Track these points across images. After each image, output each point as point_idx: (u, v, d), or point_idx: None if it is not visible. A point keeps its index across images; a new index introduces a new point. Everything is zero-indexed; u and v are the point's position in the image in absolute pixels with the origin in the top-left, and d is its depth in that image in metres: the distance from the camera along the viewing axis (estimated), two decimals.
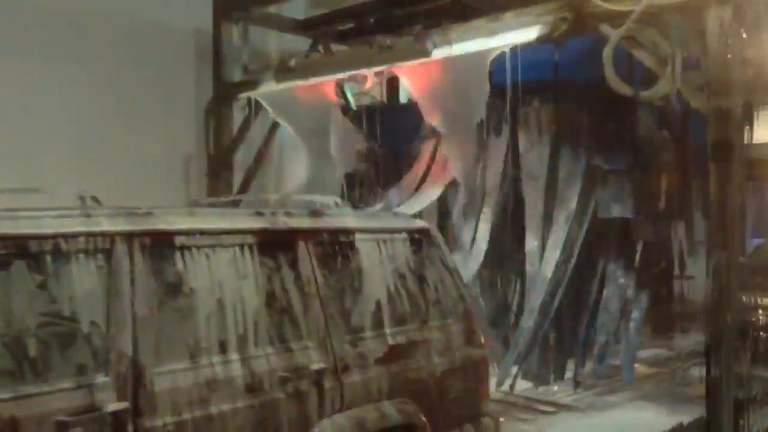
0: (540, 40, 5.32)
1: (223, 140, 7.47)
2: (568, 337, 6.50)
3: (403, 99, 8.21)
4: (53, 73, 6.85)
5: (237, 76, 7.46)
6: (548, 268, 6.11)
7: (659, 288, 7.32)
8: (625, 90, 4.91)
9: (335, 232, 3.64)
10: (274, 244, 3.42)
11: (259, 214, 3.48)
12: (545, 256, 6.17)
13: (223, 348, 3.12)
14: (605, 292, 6.41)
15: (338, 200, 4.00)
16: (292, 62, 7.03)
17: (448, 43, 5.68)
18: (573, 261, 6.10)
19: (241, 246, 3.31)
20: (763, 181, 7.07)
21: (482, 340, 4.20)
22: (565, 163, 6.21)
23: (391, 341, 3.69)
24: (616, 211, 6.17)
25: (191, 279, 3.10)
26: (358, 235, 3.73)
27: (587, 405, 6.33)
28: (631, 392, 6.52)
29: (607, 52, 4.78)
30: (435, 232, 4.17)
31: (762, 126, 5.46)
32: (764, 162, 5.22)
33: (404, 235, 3.96)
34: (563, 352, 6.56)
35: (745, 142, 4.78)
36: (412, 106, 6.86)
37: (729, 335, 4.67)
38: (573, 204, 6.11)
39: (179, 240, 3.13)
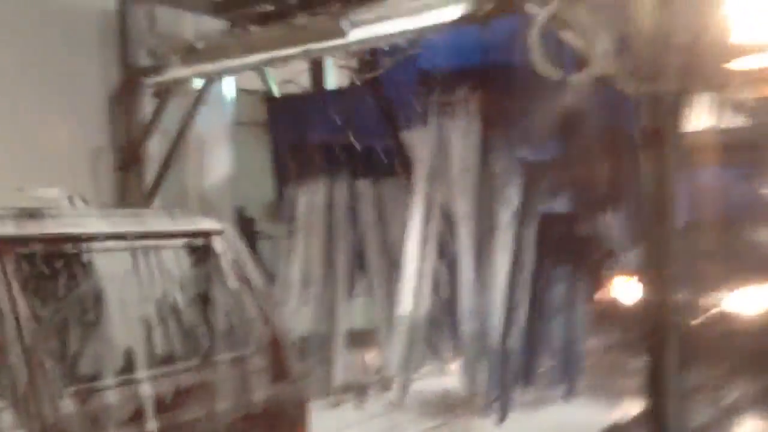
0: (464, 21, 4.98)
1: (132, 131, 6.94)
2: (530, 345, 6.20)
3: (330, 85, 7.73)
4: None
5: (144, 61, 6.93)
6: (500, 276, 5.81)
7: (600, 282, 7.09)
8: (552, 74, 4.61)
9: (55, 242, 2.76)
10: None
11: None
12: (493, 262, 5.87)
13: None
14: (553, 292, 6.18)
15: (76, 196, 3.29)
16: (200, 45, 6.56)
17: (367, 23, 5.29)
18: (525, 264, 5.82)
19: None
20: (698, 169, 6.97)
21: (296, 374, 3.39)
22: (498, 155, 5.92)
23: (147, 389, 2.84)
24: (555, 205, 5.91)
25: None
26: (96, 245, 2.87)
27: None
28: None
29: (533, 34, 4.47)
30: (229, 236, 3.39)
31: (697, 113, 5.29)
32: (699, 149, 5.06)
33: (180, 241, 3.15)
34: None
35: (679, 129, 4.51)
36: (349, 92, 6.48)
37: (666, 328, 4.42)
38: (515, 200, 5.81)
39: None
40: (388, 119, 6.53)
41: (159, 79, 6.80)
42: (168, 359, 2.93)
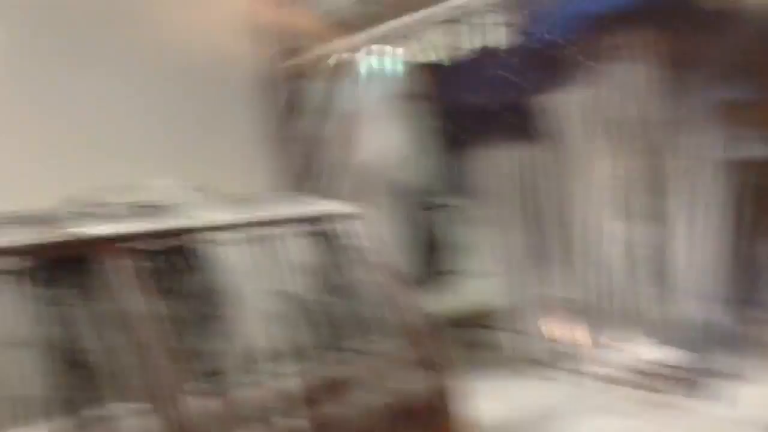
0: None
1: (281, 114, 6.78)
2: None
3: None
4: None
5: (287, 42, 6.71)
6: (708, 235, 5.56)
7: None
8: None
9: (172, 236, 2.73)
10: (57, 266, 2.54)
11: (43, 221, 2.62)
12: (697, 219, 5.62)
13: None
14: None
15: (190, 185, 3.09)
16: (340, 17, 6.32)
17: None
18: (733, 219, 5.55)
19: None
20: None
21: (443, 364, 3.18)
22: (690, 99, 5.63)
23: (277, 386, 2.73)
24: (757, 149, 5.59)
25: None
26: (215, 236, 2.79)
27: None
28: None
29: None
30: (363, 218, 3.27)
31: None
32: None
33: (306, 227, 3.07)
34: None
35: None
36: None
37: None
38: (717, 148, 5.52)
39: None
40: (556, 75, 6.23)
41: (302, 58, 6.58)
42: (297, 354, 2.84)
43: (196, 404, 2.51)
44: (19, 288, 2.44)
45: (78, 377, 2.42)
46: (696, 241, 5.64)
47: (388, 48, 6.79)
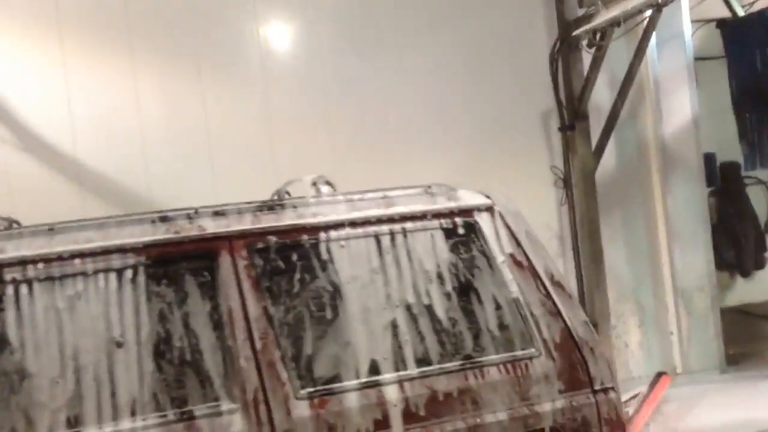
0: None
1: (573, 87, 6.18)
2: None
3: None
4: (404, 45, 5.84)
5: (577, 12, 6.18)
6: None
7: None
8: None
9: (289, 233, 2.55)
10: (177, 263, 2.45)
11: (163, 219, 2.50)
12: None
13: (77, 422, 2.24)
14: None
15: (322, 180, 2.79)
16: None
17: None
18: None
19: (120, 272, 2.40)
20: None
21: (604, 379, 2.68)
22: None
23: (394, 394, 2.47)
24: None
25: (23, 330, 2.28)
26: (335, 234, 2.60)
27: None
28: None
29: None
30: (502, 210, 2.85)
31: None
32: None
33: (435, 223, 2.74)
34: None
35: None
36: None
37: None
38: None
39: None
40: None
41: (590, 26, 6.02)
42: (421, 361, 2.58)
43: (299, 409, 2.43)
44: (135, 285, 2.42)
45: (183, 375, 2.36)
46: None
47: (682, 5, 6.25)
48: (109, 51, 5.20)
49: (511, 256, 2.80)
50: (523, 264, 2.80)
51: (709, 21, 6.53)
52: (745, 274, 6.81)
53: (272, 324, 2.49)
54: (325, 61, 5.64)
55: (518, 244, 2.83)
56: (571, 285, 5.82)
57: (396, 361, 2.54)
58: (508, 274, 2.76)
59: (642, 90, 6.23)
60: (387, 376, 2.51)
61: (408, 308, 2.63)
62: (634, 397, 5.39)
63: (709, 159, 6.46)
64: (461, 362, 2.60)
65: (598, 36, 6.09)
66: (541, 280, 2.78)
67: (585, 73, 6.14)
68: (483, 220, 2.83)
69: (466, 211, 2.83)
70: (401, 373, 2.53)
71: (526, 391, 2.62)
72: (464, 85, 5.90)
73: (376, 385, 2.49)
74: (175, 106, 5.30)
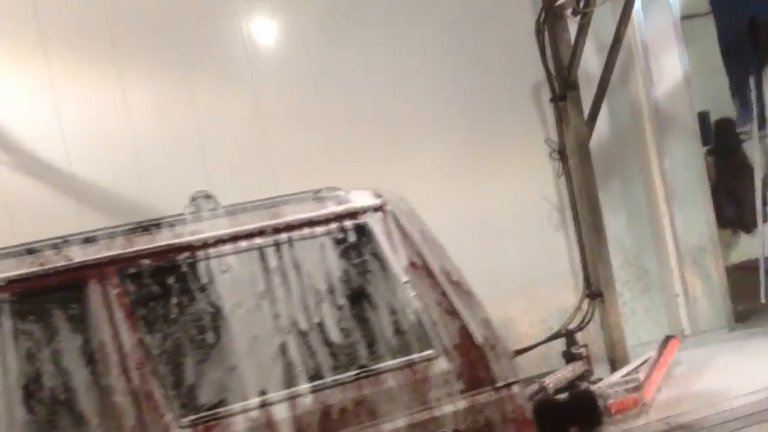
0: None
1: (561, 56, 6.08)
2: None
3: None
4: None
5: None
6: None
7: None
8: None
9: (166, 254, 2.46)
10: (44, 297, 2.33)
11: (30, 252, 2.40)
12: None
13: None
14: None
15: (202, 195, 2.67)
16: None
17: None
18: None
19: None
20: None
21: (505, 377, 2.65)
22: None
23: (286, 413, 2.40)
24: None
25: None
26: (215, 250, 2.49)
27: None
28: None
29: None
30: (394, 208, 2.78)
31: None
32: None
33: (323, 228, 2.65)
34: None
35: None
36: None
37: None
38: None
39: None
40: None
41: None
42: (312, 377, 2.49)
43: None
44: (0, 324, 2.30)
45: (56, 418, 2.25)
46: None
47: None
48: (95, 58, 5.15)
49: (405, 256, 2.74)
50: (417, 264, 2.73)
51: None
52: (748, 229, 6.81)
53: (149, 353, 2.40)
54: (313, 54, 5.59)
55: (412, 243, 2.77)
56: (574, 256, 5.83)
57: (285, 379, 2.47)
58: (401, 275, 2.69)
59: (630, 54, 6.18)
60: (276, 395, 2.44)
61: (296, 323, 2.54)
62: (644, 362, 5.41)
63: (703, 117, 6.42)
64: (354, 373, 2.54)
65: (582, 3, 6.06)
66: (437, 279, 2.73)
67: (572, 41, 6.11)
68: (374, 222, 2.76)
69: (355, 214, 2.75)
70: (291, 391, 2.47)
71: (425, 395, 2.56)
72: (453, 67, 5.86)
73: (265, 405, 2.42)
74: (164, 110, 5.29)
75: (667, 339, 5.52)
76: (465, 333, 2.70)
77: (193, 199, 2.74)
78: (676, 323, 6.08)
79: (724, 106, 6.71)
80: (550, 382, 4.70)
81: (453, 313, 2.69)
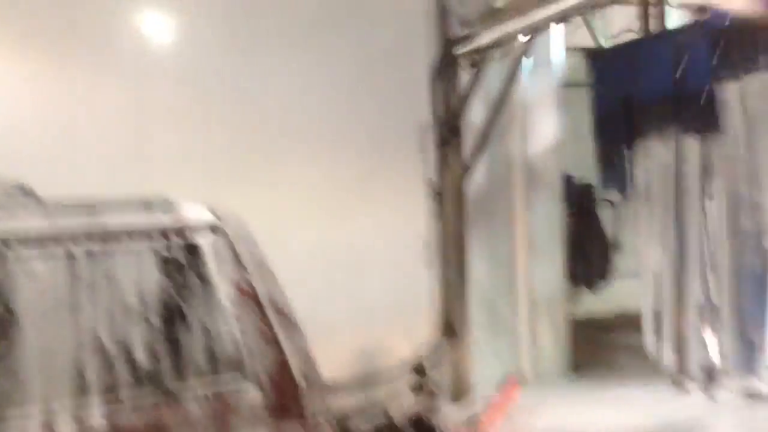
0: None
1: (452, 104, 6.45)
2: None
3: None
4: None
5: (459, 31, 6.40)
6: None
7: None
8: None
9: None
10: None
11: None
12: None
13: None
14: None
15: (15, 186, 2.55)
16: (500, 2, 6.11)
17: None
18: None
19: None
20: None
21: (319, 411, 2.67)
22: None
23: (66, 428, 2.28)
24: None
25: None
26: (19, 250, 2.30)
27: None
28: None
29: None
30: (229, 230, 2.68)
31: None
32: None
33: (147, 242, 2.52)
34: None
35: None
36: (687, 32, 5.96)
37: None
38: None
39: None
40: (729, 62, 6.03)
41: (471, 47, 6.31)
42: (109, 400, 2.36)
43: None
44: None
45: None
46: None
47: (555, 33, 6.59)
48: None
49: (233, 281, 2.63)
50: (245, 290, 2.63)
51: (578, 49, 6.95)
52: (593, 287, 7.39)
53: None
54: (207, 58, 5.56)
55: (242, 268, 2.65)
56: (435, 294, 6.13)
57: (78, 403, 2.31)
58: (225, 301, 2.59)
59: (513, 111, 6.57)
60: (65, 418, 2.28)
61: (97, 337, 2.37)
62: (487, 401, 5.76)
63: (568, 180, 6.93)
64: (152, 395, 2.40)
65: (477, 57, 6.41)
66: (263, 308, 2.64)
67: (462, 91, 6.44)
68: (204, 240, 2.61)
69: (187, 230, 2.60)
70: (83, 414, 2.32)
71: (228, 424, 2.48)
72: (348, 92, 5.98)
73: (47, 421, 2.26)
74: (37, 93, 5.09)
75: (509, 380, 5.89)
76: (282, 364, 2.64)
77: (8, 191, 2.52)
78: (521, 367, 6.50)
79: (587, 173, 7.27)
80: (396, 412, 4.92)
81: (274, 343, 2.62)
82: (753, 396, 5.78)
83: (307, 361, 2.76)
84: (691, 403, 5.87)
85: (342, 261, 5.83)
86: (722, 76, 5.91)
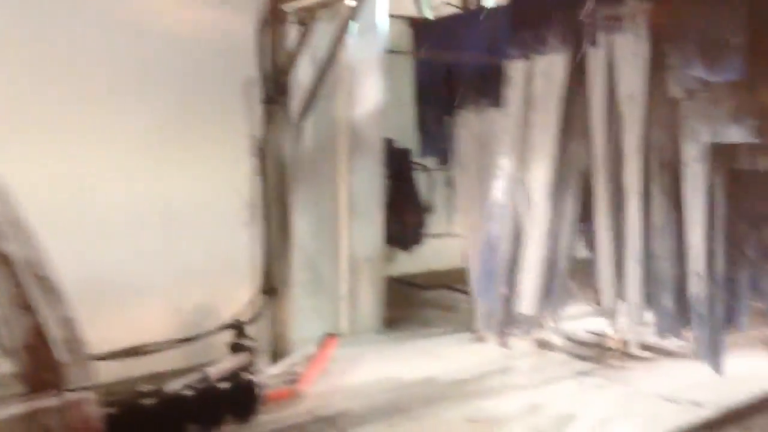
0: None
1: (278, 60, 6.36)
2: None
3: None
4: None
5: None
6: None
7: None
8: None
9: None
10: None
11: None
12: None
13: None
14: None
15: None
16: None
17: None
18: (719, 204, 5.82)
19: None
20: None
21: (80, 380, 2.53)
22: (673, 77, 6.13)
23: None
24: (734, 135, 5.66)
25: None
26: None
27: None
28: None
29: None
30: None
31: None
32: None
33: None
34: None
35: None
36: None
37: None
38: (701, 130, 5.70)
39: None
40: (522, 43, 6.44)
41: (302, 4, 6.27)
42: None
43: None
44: None
45: None
46: (680, 224, 6.06)
47: (387, 3, 6.73)
48: None
49: None
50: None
51: (403, 18, 7.13)
52: (407, 248, 7.75)
53: None
54: None
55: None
56: (257, 253, 6.11)
57: None
58: None
59: (340, 74, 6.63)
60: None
61: None
62: (305, 357, 5.90)
63: (388, 144, 7.15)
64: None
65: (305, 14, 6.36)
66: (16, 271, 2.44)
67: (290, 48, 6.38)
68: None
69: None
70: None
71: None
72: (166, 39, 5.69)
73: None
74: None
75: (327, 336, 6.08)
76: (37, 333, 2.46)
77: None
78: (338, 323, 6.70)
79: (406, 138, 7.55)
80: (213, 371, 4.91)
81: (29, 310, 2.43)
82: (543, 345, 6.53)
83: (68, 329, 2.58)
84: (490, 351, 6.44)
85: (157, 218, 5.61)
86: (514, 56, 6.34)
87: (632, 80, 6.00)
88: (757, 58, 5.65)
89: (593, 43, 6.13)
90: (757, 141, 6.10)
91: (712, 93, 5.86)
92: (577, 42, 6.20)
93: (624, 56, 5.97)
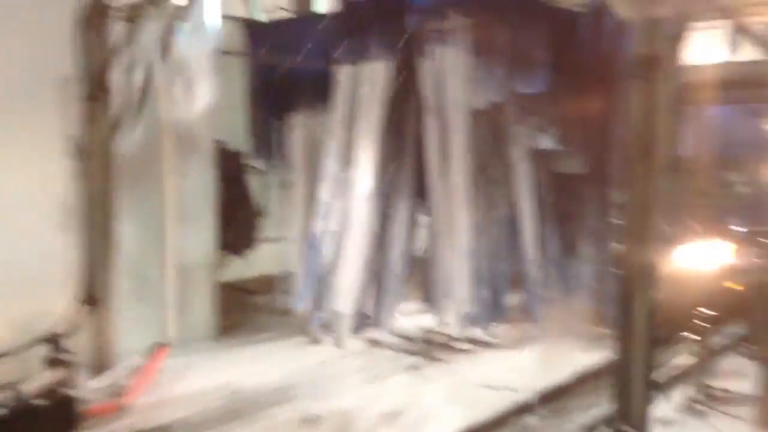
0: None
1: (100, 57, 6.04)
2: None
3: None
4: None
5: None
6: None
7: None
8: None
9: None
10: None
11: None
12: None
13: None
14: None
15: None
16: None
17: None
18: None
19: None
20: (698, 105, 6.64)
21: None
22: (493, 88, 6.64)
23: None
24: (544, 142, 6.50)
25: None
26: None
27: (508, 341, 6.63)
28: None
29: None
30: None
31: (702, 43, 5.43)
32: (699, 83, 6.07)
33: None
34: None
35: (676, 58, 4.18)
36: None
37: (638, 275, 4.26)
38: (521, 136, 6.47)
39: None
40: (350, 49, 6.60)
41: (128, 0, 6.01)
42: None
43: None
44: None
45: None
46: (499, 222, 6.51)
47: (219, 4, 6.56)
48: None
49: None
50: None
51: (235, 19, 7.00)
52: (239, 253, 7.60)
53: None
54: None
55: None
56: (75, 261, 5.72)
57: None
58: None
59: (168, 73, 6.40)
60: None
61: None
62: (130, 368, 5.62)
63: (219, 146, 6.98)
64: None
65: (131, 12, 6.07)
66: None
67: (115, 45, 6.06)
68: None
69: None
70: None
71: None
72: None
73: None
74: None
75: (156, 346, 5.83)
76: None
77: None
78: (168, 334, 6.44)
79: (238, 140, 7.40)
80: (28, 388, 4.58)
81: None
82: (373, 343, 6.68)
83: None
84: (323, 352, 6.54)
85: None
86: (342, 61, 6.50)
87: (456, 89, 6.43)
88: (559, 74, 6.42)
89: (421, 53, 6.46)
90: (560, 148, 6.85)
91: (526, 103, 6.50)
92: (404, 51, 6.49)
93: (449, 67, 6.41)
